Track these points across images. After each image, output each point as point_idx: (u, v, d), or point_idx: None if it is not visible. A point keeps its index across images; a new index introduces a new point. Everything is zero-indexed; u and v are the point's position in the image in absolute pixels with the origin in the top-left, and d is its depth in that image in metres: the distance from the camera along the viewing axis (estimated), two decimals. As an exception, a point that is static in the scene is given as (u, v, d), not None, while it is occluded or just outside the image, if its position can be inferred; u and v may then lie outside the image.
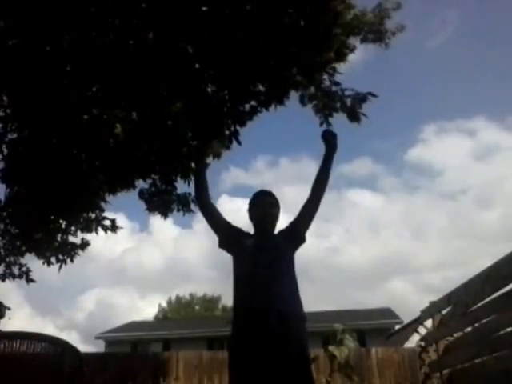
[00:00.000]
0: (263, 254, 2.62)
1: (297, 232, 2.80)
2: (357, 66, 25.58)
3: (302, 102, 5.98)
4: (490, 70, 40.42)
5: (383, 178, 50.26)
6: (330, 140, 2.88)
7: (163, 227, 48.93)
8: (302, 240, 2.80)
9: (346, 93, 5.77)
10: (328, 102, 5.79)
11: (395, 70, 37.92)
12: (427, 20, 40.45)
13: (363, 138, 44.06)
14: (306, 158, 49.19)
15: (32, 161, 6.00)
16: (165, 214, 7.22)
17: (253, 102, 5.64)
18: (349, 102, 5.71)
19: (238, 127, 5.84)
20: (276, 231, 2.85)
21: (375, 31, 5.80)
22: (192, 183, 6.93)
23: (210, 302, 36.79)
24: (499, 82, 39.03)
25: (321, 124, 5.86)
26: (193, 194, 7.28)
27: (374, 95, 5.64)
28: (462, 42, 40.41)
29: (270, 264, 2.56)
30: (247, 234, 2.84)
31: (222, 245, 2.81)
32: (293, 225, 2.82)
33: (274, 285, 2.51)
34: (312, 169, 46.86)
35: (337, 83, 5.81)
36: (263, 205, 2.83)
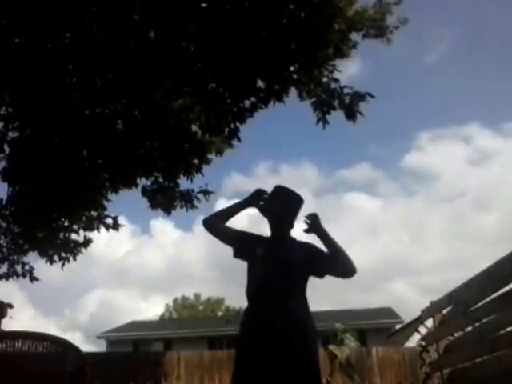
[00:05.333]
0: (276, 264, 2.58)
1: (320, 267, 2.70)
2: (353, 76, 25.83)
3: (301, 97, 5.99)
4: (485, 79, 40.66)
5: (381, 182, 50.27)
6: (313, 226, 2.63)
7: (164, 230, 48.91)
8: (320, 276, 2.74)
9: (345, 90, 5.82)
10: (326, 99, 5.82)
11: (391, 81, 38.50)
12: (424, 35, 40.47)
13: (362, 144, 44.17)
14: (307, 163, 49.19)
15: (34, 159, 6.01)
16: (168, 211, 7.23)
17: (253, 99, 5.68)
18: (347, 99, 5.75)
19: (238, 124, 5.88)
20: (297, 238, 2.76)
21: (377, 27, 5.82)
22: (194, 179, 6.91)
23: (217, 303, 37.01)
24: (494, 90, 39.12)
25: (317, 121, 5.87)
26: (196, 190, 7.25)
27: (371, 95, 5.71)
28: (458, 57, 40.49)
29: (283, 275, 2.54)
30: (261, 238, 2.76)
31: (237, 254, 2.74)
32: (321, 258, 2.67)
33: (285, 296, 2.52)
34: (312, 174, 46.95)
35: (336, 80, 5.86)
36: (278, 207, 2.68)
